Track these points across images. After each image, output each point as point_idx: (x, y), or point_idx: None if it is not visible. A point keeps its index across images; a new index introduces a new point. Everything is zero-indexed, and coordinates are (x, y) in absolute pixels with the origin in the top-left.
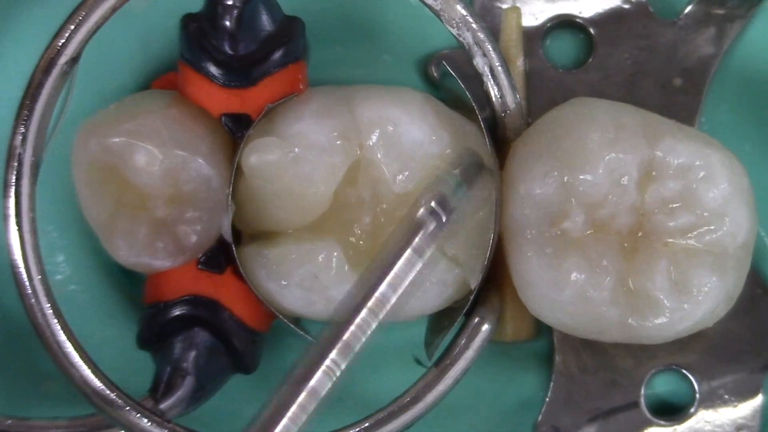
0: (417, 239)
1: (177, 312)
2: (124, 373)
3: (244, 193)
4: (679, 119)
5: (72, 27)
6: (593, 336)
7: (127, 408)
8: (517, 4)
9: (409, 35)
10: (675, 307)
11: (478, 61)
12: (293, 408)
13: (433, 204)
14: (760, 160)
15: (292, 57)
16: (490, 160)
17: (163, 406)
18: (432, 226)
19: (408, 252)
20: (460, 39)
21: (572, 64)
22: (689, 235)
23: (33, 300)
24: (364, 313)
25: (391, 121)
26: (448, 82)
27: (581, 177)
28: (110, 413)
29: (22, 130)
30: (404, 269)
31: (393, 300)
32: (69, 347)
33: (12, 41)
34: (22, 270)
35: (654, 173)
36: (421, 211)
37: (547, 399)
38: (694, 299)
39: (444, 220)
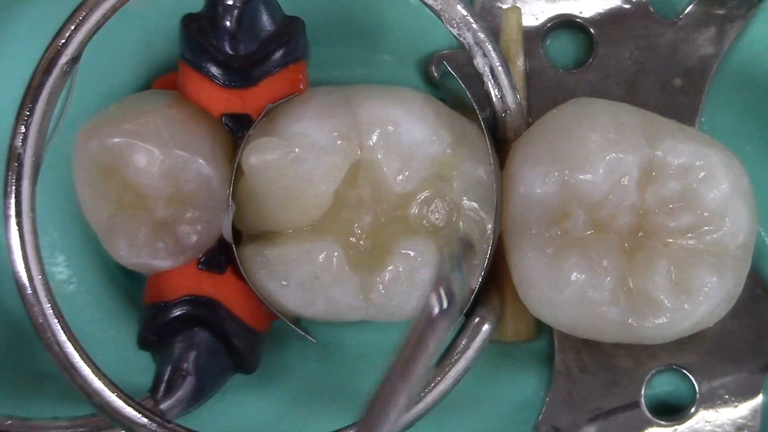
0: (432, 337)
1: (177, 312)
2: (125, 373)
3: (244, 193)
4: (679, 119)
5: (72, 27)
6: (593, 336)
7: (128, 408)
8: (518, 5)
9: (409, 35)
10: (675, 307)
11: (479, 61)
12: None
13: (444, 302)
14: (761, 160)
15: (293, 57)
16: (489, 165)
17: (163, 406)
18: (443, 320)
19: (426, 353)
20: (461, 39)
21: (572, 64)
22: (689, 235)
23: (33, 300)
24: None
25: (392, 121)
26: (448, 82)
27: (582, 177)
28: (110, 413)
29: (23, 130)
30: (423, 365)
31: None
32: (69, 347)
33: (12, 41)
34: (23, 270)
35: (654, 173)
36: (436, 309)
37: (547, 399)
38: (695, 299)
39: (452, 311)
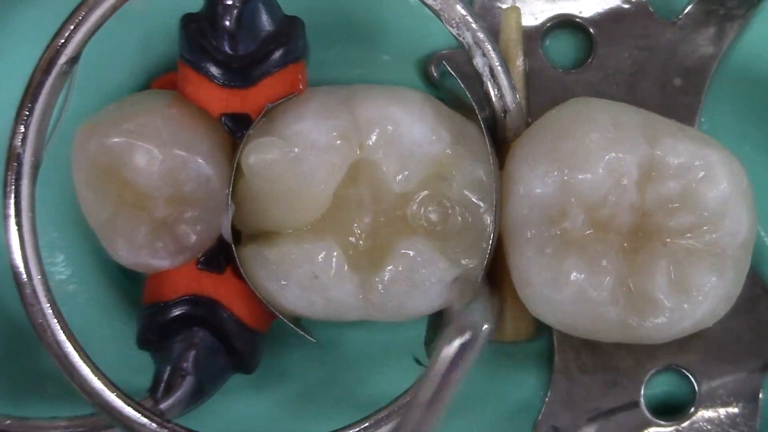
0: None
1: (177, 312)
2: (124, 373)
3: (244, 193)
4: (679, 119)
5: (72, 27)
6: (593, 336)
7: (127, 408)
8: (517, 4)
9: (409, 35)
10: (675, 307)
11: (478, 61)
12: None
13: (466, 336)
14: (760, 160)
15: (292, 57)
16: (489, 165)
17: (162, 406)
18: (467, 354)
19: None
20: (460, 39)
21: (572, 64)
22: (689, 235)
23: (33, 300)
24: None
25: (391, 120)
26: (448, 82)
27: (581, 177)
28: (110, 413)
29: (22, 130)
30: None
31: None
32: (69, 347)
33: (12, 41)
34: (22, 270)
35: (654, 173)
36: (457, 345)
37: (547, 399)
38: (694, 299)
39: (476, 343)
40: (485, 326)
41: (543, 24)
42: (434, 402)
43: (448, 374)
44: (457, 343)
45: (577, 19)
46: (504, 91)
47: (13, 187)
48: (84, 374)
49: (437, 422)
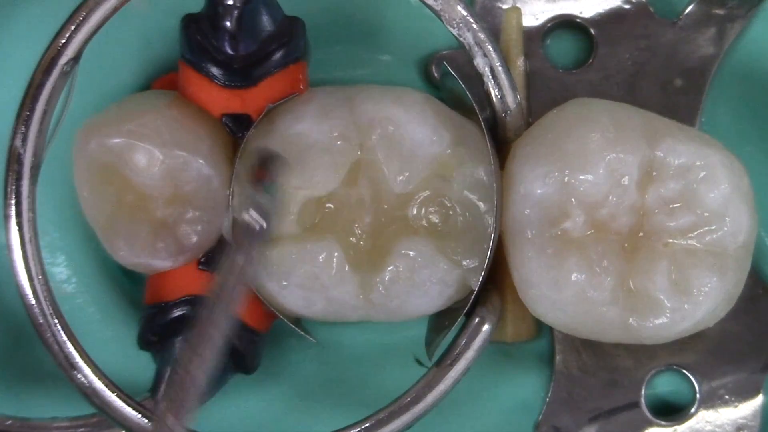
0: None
1: (177, 312)
2: (125, 373)
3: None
4: (679, 119)
5: (73, 27)
6: (594, 336)
7: (128, 408)
8: (518, 5)
9: (409, 35)
10: (675, 308)
11: (479, 62)
12: None
13: (259, 223)
14: (761, 160)
15: (293, 57)
16: (489, 165)
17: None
18: (257, 241)
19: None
20: (461, 39)
21: (573, 65)
22: (690, 235)
23: (34, 300)
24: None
25: (392, 121)
26: (448, 82)
27: (582, 177)
28: (111, 413)
29: (23, 130)
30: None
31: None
32: (70, 347)
33: (13, 41)
34: (23, 270)
35: (654, 173)
36: (251, 229)
37: (548, 399)
38: (695, 299)
39: (265, 230)
40: (271, 211)
41: (544, 24)
42: (231, 294)
43: (243, 264)
44: (248, 231)
45: (578, 20)
46: (505, 91)
47: (14, 187)
48: (85, 374)
49: (231, 312)
